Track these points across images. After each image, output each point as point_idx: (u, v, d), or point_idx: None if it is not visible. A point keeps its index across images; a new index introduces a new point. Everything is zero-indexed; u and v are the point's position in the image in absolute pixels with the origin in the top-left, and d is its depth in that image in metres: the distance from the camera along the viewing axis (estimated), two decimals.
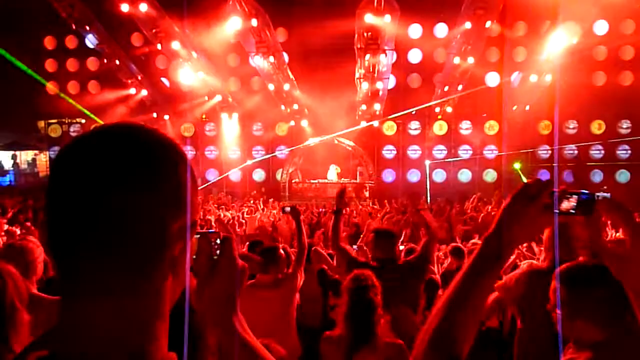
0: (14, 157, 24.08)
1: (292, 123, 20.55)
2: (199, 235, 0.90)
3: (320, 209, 14.39)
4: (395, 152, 21.05)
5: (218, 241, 0.93)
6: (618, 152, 19.81)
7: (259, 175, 21.42)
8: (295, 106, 19.70)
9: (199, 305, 0.92)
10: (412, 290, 3.70)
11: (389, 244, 3.96)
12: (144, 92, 19.94)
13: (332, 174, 19.67)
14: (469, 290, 1.15)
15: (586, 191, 1.17)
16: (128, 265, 0.71)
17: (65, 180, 0.72)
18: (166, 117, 20.61)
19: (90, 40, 17.50)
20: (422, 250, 3.90)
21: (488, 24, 15.41)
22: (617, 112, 19.26)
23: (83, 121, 21.72)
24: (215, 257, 0.92)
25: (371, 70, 17.06)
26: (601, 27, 17.79)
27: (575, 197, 1.17)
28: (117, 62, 18.56)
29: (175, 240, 0.75)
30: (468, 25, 15.46)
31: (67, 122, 22.15)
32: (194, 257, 0.90)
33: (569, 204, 1.16)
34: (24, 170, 24.17)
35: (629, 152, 19.78)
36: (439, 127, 20.49)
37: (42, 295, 2.75)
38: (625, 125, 19.73)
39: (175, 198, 0.74)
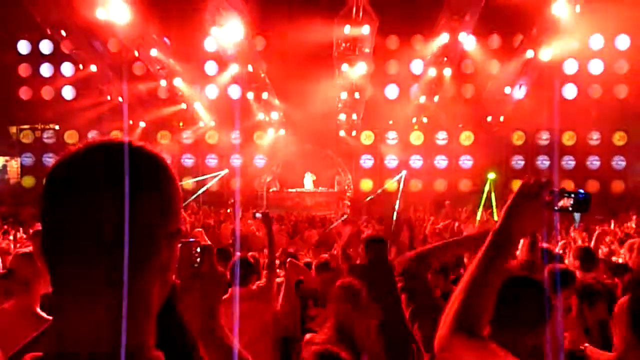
0: None
1: (271, 131, 20.55)
2: (180, 244, 0.93)
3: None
4: (372, 161, 21.21)
5: (199, 250, 0.97)
6: (588, 163, 20.35)
7: (236, 184, 21.29)
8: (274, 115, 19.72)
9: (181, 310, 0.96)
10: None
11: (379, 248, 4.30)
12: (120, 99, 19.69)
13: (308, 182, 19.73)
14: (484, 275, 1.30)
15: (583, 191, 1.30)
16: (118, 272, 0.75)
17: (58, 192, 0.77)
18: (142, 124, 20.38)
19: (66, 46, 17.25)
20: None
21: (463, 36, 15.74)
22: (587, 124, 19.80)
23: (57, 127, 21.33)
24: (196, 265, 0.96)
25: (349, 79, 17.23)
26: (571, 42, 18.32)
27: (572, 195, 1.29)
28: (94, 67, 18.33)
29: (163, 247, 0.80)
30: (444, 37, 15.77)
31: (40, 128, 21.70)
32: (176, 265, 0.93)
33: (566, 202, 1.29)
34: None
35: (599, 162, 20.34)
36: (416, 137, 20.75)
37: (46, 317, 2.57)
38: (595, 137, 20.30)
39: (163, 208, 0.79)
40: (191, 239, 0.99)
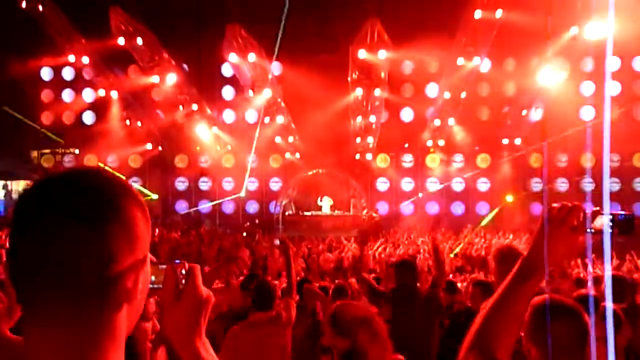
0: (5, 186, 23.91)
1: (287, 155, 20.67)
2: (165, 266, 0.95)
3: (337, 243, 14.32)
4: (388, 184, 21.15)
5: (184, 271, 0.97)
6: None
7: (252, 207, 21.38)
8: (290, 138, 19.86)
9: (165, 331, 0.97)
10: (423, 320, 3.87)
11: (405, 274, 4.28)
12: (139, 124, 20.05)
13: (326, 206, 19.71)
14: (506, 301, 1.29)
15: (622, 211, 1.24)
16: (82, 297, 0.77)
17: (22, 220, 0.80)
18: (160, 148, 20.68)
19: (87, 72, 17.70)
20: (431, 284, 4.18)
21: (477, 60, 15.79)
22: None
23: (77, 152, 21.72)
24: (181, 287, 0.96)
25: (365, 104, 17.33)
26: (588, 64, 18.26)
27: (609, 217, 1.23)
28: (114, 93, 18.73)
29: (127, 273, 0.80)
30: (459, 61, 15.83)
31: (60, 152, 22.12)
32: (160, 286, 0.94)
33: (602, 223, 1.22)
34: (15, 201, 23.95)
35: (620, 185, 20.00)
36: (432, 160, 20.68)
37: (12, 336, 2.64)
38: (615, 159, 20.00)
39: (126, 235, 0.80)
40: (176, 260, 0.99)
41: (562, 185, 20.16)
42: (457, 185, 20.75)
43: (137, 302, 0.84)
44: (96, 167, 0.85)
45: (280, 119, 18.66)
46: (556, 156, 20.10)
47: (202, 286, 0.97)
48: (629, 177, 19.95)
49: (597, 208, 1.25)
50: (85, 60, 16.87)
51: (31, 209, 0.79)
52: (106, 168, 0.87)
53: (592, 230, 1.23)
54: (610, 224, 1.23)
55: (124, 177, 0.85)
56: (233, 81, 18.87)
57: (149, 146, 20.63)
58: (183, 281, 0.96)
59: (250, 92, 17.52)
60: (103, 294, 0.79)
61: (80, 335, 0.77)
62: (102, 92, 19.02)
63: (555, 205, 1.29)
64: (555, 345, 1.76)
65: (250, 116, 20.03)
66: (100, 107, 20.27)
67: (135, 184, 21.14)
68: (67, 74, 20.68)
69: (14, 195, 24.07)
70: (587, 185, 19.93)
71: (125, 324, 0.83)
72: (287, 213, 19.97)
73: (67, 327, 0.77)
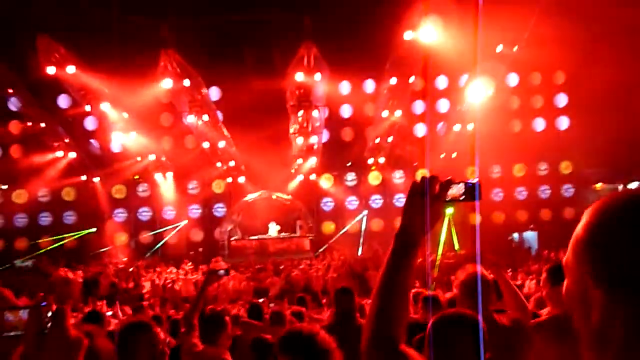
0: None
1: (229, 180, 20.42)
2: (28, 309, 0.88)
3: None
4: (333, 203, 21.30)
5: (49, 314, 0.89)
6: (539, 192, 21.12)
7: (196, 235, 20.86)
8: (232, 163, 19.66)
9: None
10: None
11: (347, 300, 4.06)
12: (73, 155, 19.19)
13: (273, 230, 19.59)
14: (393, 278, 1.32)
15: (471, 180, 1.35)
16: None
17: None
18: (96, 179, 19.89)
19: (13, 103, 16.82)
20: None
21: (412, 79, 16.35)
22: (535, 156, 20.66)
23: (4, 187, 20.47)
24: (46, 331, 0.88)
25: (305, 125, 17.49)
26: (513, 80, 19.32)
27: (462, 185, 1.34)
28: (43, 124, 17.88)
29: None
30: (393, 81, 16.33)
31: None
32: (21, 333, 0.86)
33: (456, 191, 1.34)
34: None
35: (549, 191, 21.13)
36: (374, 178, 21.06)
37: None
38: (543, 167, 21.18)
39: None
40: (43, 303, 0.91)
41: (498, 195, 21.04)
42: (400, 201, 21.18)
43: None
44: None
45: (221, 144, 18.46)
46: (490, 167, 20.99)
47: (71, 329, 0.89)
48: (558, 184, 21.14)
49: (450, 177, 1.36)
50: (11, 90, 16.01)
51: None
52: None
53: (448, 199, 1.34)
54: (462, 191, 1.34)
55: None
56: (169, 107, 18.51)
57: (83, 178, 19.81)
58: (48, 325, 0.87)
59: (188, 118, 17.25)
60: None
61: None
62: (30, 123, 18.04)
63: (416, 180, 1.36)
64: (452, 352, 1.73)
65: (190, 142, 19.68)
66: (29, 140, 19.22)
67: (71, 218, 20.16)
68: None
69: None
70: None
71: None
72: (232, 239, 19.65)
73: None
